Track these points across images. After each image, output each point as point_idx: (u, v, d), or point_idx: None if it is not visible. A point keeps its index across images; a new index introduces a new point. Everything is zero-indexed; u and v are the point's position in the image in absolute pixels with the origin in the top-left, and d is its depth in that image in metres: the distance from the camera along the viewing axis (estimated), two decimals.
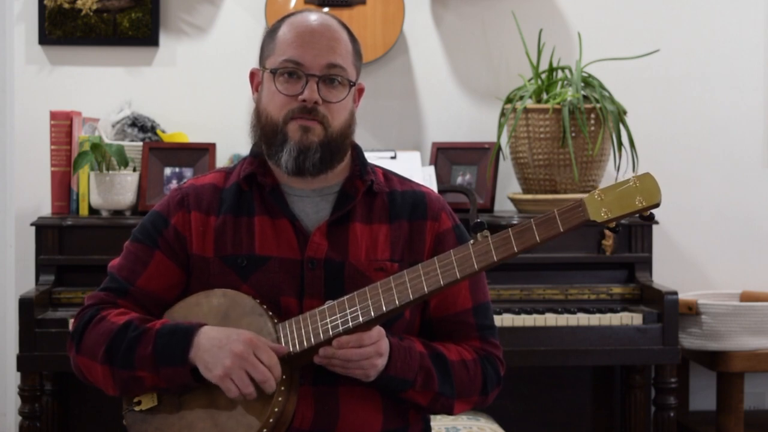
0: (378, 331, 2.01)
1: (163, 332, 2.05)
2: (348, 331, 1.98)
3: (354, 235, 2.12)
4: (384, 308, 1.98)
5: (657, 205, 1.92)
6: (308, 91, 2.09)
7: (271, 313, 2.04)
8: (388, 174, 2.23)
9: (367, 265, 2.11)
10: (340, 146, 2.13)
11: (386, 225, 2.15)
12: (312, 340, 1.99)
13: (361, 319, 1.98)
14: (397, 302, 1.98)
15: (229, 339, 1.99)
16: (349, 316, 1.99)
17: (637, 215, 1.95)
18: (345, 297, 2.01)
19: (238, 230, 2.13)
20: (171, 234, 2.15)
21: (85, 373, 2.13)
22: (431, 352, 2.10)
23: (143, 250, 2.16)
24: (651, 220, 1.97)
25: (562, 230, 1.94)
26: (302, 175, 2.12)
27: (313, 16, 2.15)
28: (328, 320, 2.00)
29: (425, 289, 1.98)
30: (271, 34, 2.18)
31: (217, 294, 2.08)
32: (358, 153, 2.21)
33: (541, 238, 1.94)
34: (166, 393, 2.07)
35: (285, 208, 2.13)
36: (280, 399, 1.98)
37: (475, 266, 1.96)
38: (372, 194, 2.17)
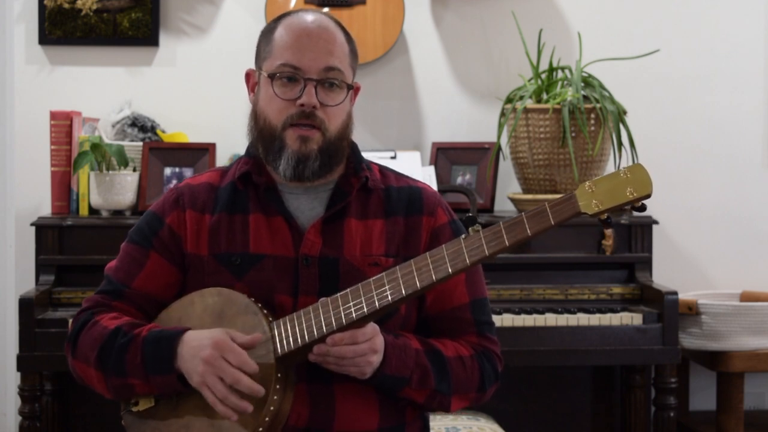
0: (372, 327, 2.00)
1: (149, 340, 2.04)
2: (342, 329, 1.98)
3: (349, 231, 2.12)
4: (377, 305, 1.97)
5: (648, 196, 1.91)
6: (306, 96, 2.08)
7: (265, 312, 2.04)
8: (384, 170, 2.23)
9: (361, 260, 2.10)
10: (338, 149, 2.13)
11: (381, 220, 2.15)
12: (306, 337, 1.99)
13: (354, 316, 1.97)
14: (390, 299, 1.97)
15: (201, 345, 1.98)
16: (342, 314, 1.98)
17: (629, 206, 1.93)
18: (338, 294, 2.00)
19: (233, 228, 2.13)
20: (166, 234, 2.15)
21: (82, 376, 2.14)
22: (427, 349, 2.10)
23: (139, 251, 2.16)
24: (642, 210, 1.96)
25: (553, 223, 1.92)
26: (300, 181, 2.13)
27: (309, 17, 2.14)
28: (321, 318, 1.99)
29: (417, 284, 1.97)
30: (266, 35, 2.17)
31: (212, 293, 2.08)
32: (353, 150, 2.20)
33: (532, 231, 1.93)
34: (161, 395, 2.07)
35: (280, 206, 2.13)
36: (275, 397, 1.98)
37: (467, 261, 1.95)
38: (367, 191, 2.17)
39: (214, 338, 1.98)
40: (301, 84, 2.09)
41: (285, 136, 2.10)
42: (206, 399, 1.97)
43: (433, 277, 1.97)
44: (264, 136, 2.13)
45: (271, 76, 2.11)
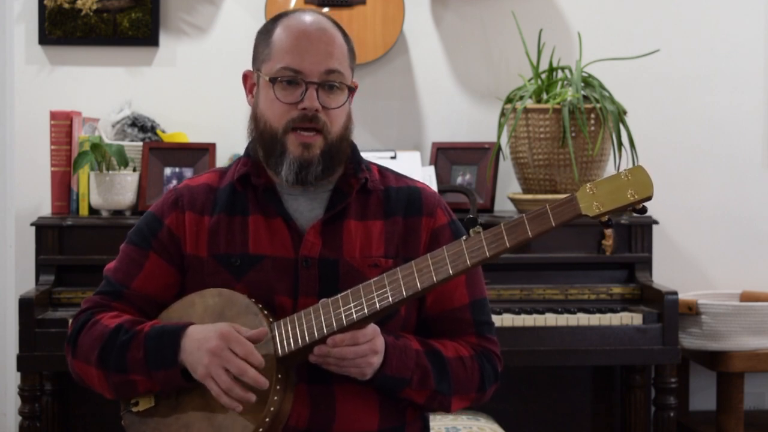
0: (372, 328, 2.00)
1: (151, 335, 2.05)
2: (342, 330, 1.98)
3: (348, 232, 2.12)
4: (378, 306, 1.97)
5: (649, 198, 1.91)
6: (308, 100, 2.08)
7: (266, 312, 2.05)
8: (383, 171, 2.23)
9: (361, 261, 2.10)
10: (340, 150, 2.13)
11: (381, 221, 2.15)
12: (306, 338, 1.99)
13: (355, 317, 1.98)
14: (390, 300, 1.97)
15: (207, 337, 1.99)
16: (343, 315, 1.98)
17: (630, 208, 1.93)
18: (339, 295, 2.00)
19: (232, 230, 2.13)
20: (165, 235, 2.15)
21: (83, 376, 2.14)
22: (427, 350, 2.10)
23: (138, 252, 2.16)
24: (643, 212, 1.95)
25: (554, 225, 1.92)
26: (303, 185, 2.13)
27: (308, 18, 2.13)
28: (322, 318, 1.99)
29: (418, 286, 1.97)
30: (264, 36, 2.16)
31: (212, 293, 2.08)
32: (352, 151, 2.19)
33: (533, 233, 1.93)
34: (162, 394, 2.07)
35: (279, 207, 2.13)
36: (275, 398, 1.98)
37: (468, 262, 1.96)
38: (366, 191, 2.16)
39: (221, 330, 1.99)
40: (302, 87, 2.09)
41: (286, 141, 2.09)
42: (211, 391, 1.97)
43: (434, 279, 1.97)
44: (265, 140, 2.13)
45: (272, 80, 2.10)
